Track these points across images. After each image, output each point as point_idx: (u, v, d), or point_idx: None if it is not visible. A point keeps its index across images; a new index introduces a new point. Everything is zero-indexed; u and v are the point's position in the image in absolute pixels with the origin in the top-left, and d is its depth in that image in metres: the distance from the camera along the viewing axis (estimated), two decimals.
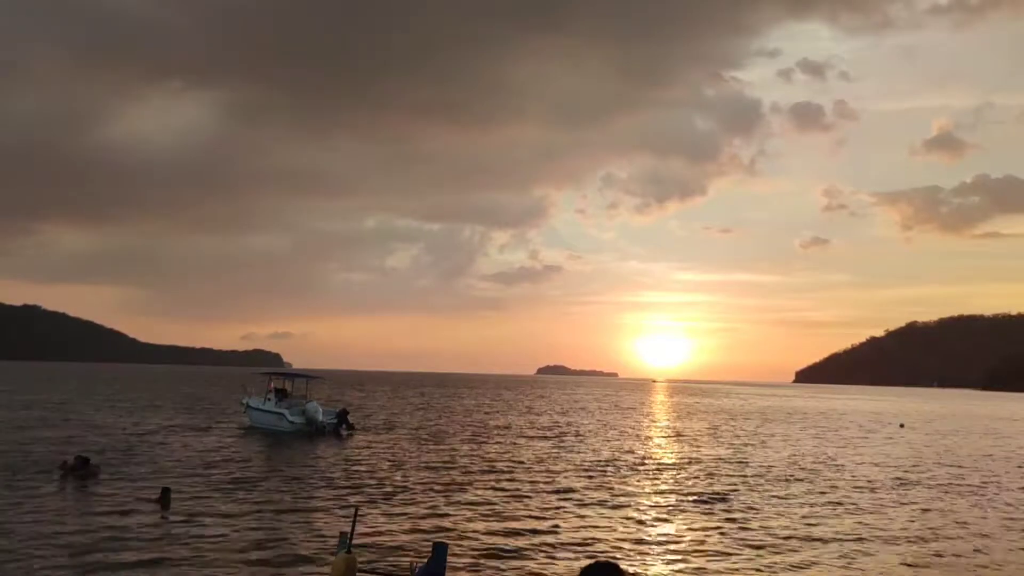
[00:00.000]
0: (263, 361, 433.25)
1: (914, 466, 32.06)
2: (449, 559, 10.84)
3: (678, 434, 46.17)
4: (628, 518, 18.87)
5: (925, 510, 21.34)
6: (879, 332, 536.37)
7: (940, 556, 15.89)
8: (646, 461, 31.04)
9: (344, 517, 17.09)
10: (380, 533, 16.15)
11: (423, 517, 18.11)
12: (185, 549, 14.42)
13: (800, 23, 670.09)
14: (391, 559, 13.91)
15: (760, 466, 29.93)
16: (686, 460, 31.62)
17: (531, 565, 14.26)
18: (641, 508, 20.27)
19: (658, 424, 55.74)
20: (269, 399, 42.20)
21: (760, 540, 16.65)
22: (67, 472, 21.94)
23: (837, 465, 31.28)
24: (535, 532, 16.90)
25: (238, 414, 44.43)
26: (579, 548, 15.59)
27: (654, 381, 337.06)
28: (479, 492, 21.89)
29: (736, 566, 14.55)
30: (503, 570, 13.88)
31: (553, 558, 14.80)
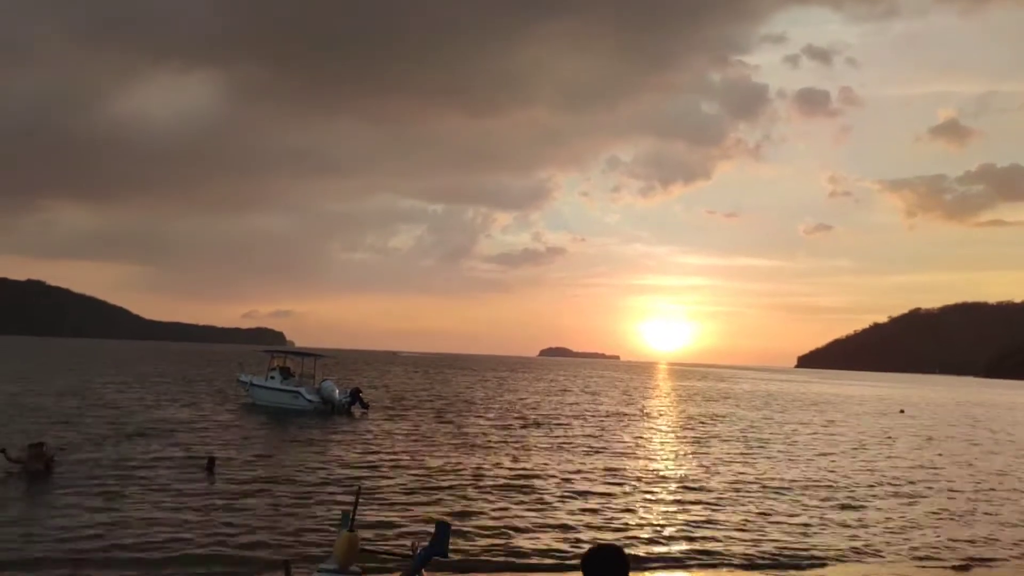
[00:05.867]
0: (266, 339, 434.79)
1: (913, 455, 32.17)
2: (452, 538, 10.92)
3: (682, 417, 46.30)
4: (636, 501, 18.95)
5: (923, 499, 21.42)
6: (882, 318, 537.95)
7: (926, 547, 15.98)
8: (656, 446, 31.14)
9: (348, 496, 17.20)
10: (383, 511, 16.24)
11: (426, 496, 18.20)
12: (188, 527, 14.54)
13: (806, 8, 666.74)
14: (393, 538, 14.01)
15: (760, 450, 30.01)
16: (687, 443, 31.74)
17: (536, 545, 14.33)
18: (650, 493, 20.33)
19: (666, 409, 55.83)
20: (272, 377, 42.18)
21: (746, 521, 16.75)
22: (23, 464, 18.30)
23: (835, 451, 31.34)
24: (540, 512, 16.99)
25: (239, 392, 44.48)
26: (585, 530, 15.67)
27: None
28: (483, 471, 21.97)
29: (730, 549, 14.64)
30: (507, 550, 13.96)
31: (559, 538, 14.88)
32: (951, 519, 18.43)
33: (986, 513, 19.42)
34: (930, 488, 22.73)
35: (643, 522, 16.60)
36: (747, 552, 14.41)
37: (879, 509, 19.05)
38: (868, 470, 25.87)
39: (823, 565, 13.96)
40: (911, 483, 23.46)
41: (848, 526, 16.89)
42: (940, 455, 31.43)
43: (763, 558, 14.13)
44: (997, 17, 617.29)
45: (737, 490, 20.70)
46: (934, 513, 18.99)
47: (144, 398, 42.22)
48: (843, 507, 19.01)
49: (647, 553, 14.13)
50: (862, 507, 19.13)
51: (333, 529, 13.81)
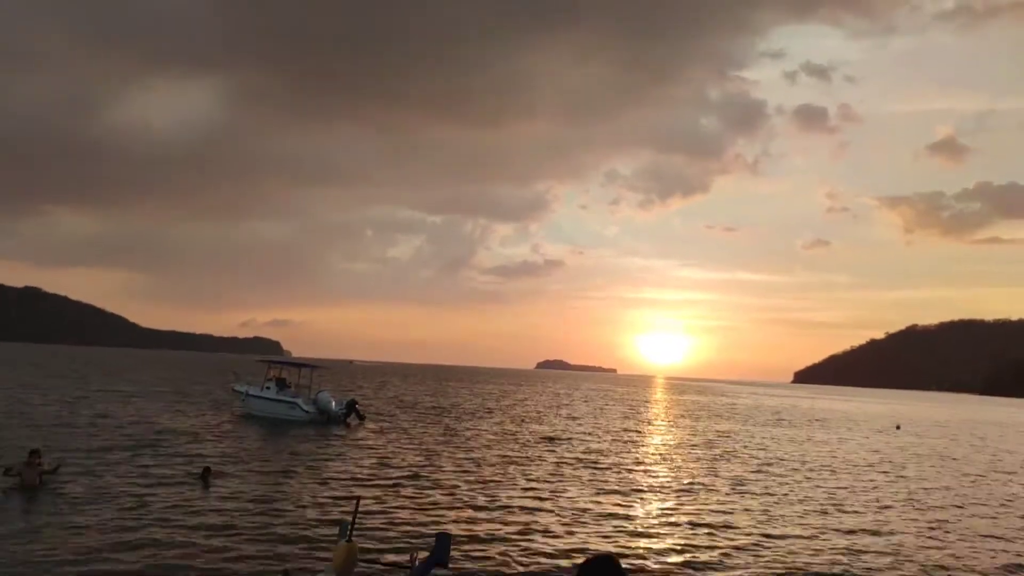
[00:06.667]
0: (263, 348, 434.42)
1: (908, 470, 32.14)
2: (452, 549, 10.87)
3: (690, 433, 46.24)
4: (650, 521, 18.89)
5: (921, 516, 21.39)
6: (879, 334, 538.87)
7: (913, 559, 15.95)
8: (648, 460, 31.08)
9: (347, 506, 17.14)
10: (382, 522, 16.21)
11: (427, 507, 18.16)
12: (187, 535, 14.49)
13: (805, 24, 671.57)
14: (393, 548, 13.97)
15: (757, 465, 29.98)
16: (701, 461, 31.69)
17: (535, 557, 14.30)
18: (641, 506, 20.30)
19: (672, 424, 55.78)
20: (268, 387, 42.05)
21: (765, 544, 16.71)
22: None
23: (830, 466, 31.32)
24: (541, 524, 16.95)
25: (234, 401, 44.33)
26: (582, 541, 15.62)
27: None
28: (484, 483, 21.95)
29: (715, 559, 14.60)
30: (507, 561, 13.92)
31: (556, 549, 14.84)
32: (977, 539, 18.40)
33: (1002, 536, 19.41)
34: (955, 509, 22.48)
35: (656, 543, 16.35)
36: None
37: (905, 532, 18.84)
38: (890, 491, 25.66)
39: None
40: (938, 507, 22.83)
41: (878, 551, 16.74)
42: (967, 475, 31.30)
43: None
44: (995, 35, 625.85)
45: (759, 511, 20.53)
46: (963, 535, 18.91)
47: (140, 407, 42.11)
48: (871, 532, 18.53)
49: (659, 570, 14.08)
50: (889, 530, 18.88)
51: (332, 539, 13.78)
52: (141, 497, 17.56)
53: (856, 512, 20.72)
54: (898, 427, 62.43)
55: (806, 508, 20.84)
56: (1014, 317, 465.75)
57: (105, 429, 30.14)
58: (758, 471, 28.06)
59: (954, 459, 37.65)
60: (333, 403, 40.17)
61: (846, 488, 25.12)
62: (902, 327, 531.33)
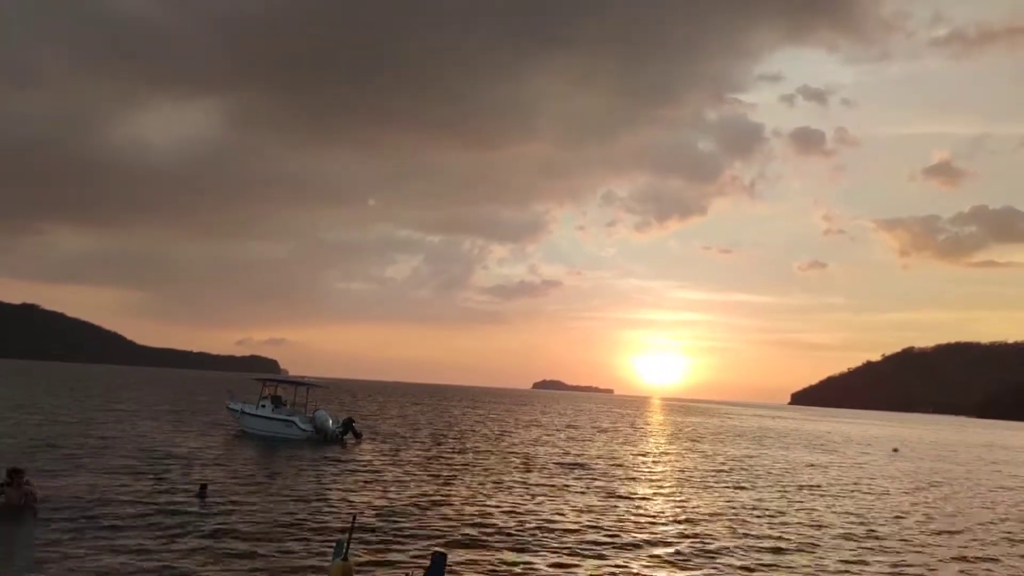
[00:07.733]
0: (260, 367, 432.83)
1: (906, 494, 32.06)
2: (448, 570, 10.85)
3: (692, 455, 46.10)
4: (651, 543, 18.79)
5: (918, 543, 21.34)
6: (875, 356, 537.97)
7: None
8: (669, 485, 30.84)
9: (342, 525, 17.08)
10: (378, 541, 16.16)
11: (422, 527, 18.10)
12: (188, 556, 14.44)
13: (802, 49, 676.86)
14: (388, 569, 13.92)
15: (781, 489, 29.88)
16: (701, 483, 31.57)
17: None
18: (641, 536, 20.22)
19: (674, 448, 55.62)
20: (263, 405, 41.77)
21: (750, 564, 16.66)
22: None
23: (852, 492, 31.25)
24: (534, 545, 16.91)
25: (230, 419, 44.11)
26: (577, 565, 15.57)
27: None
28: (479, 504, 21.87)
29: None
30: None
31: (552, 572, 14.79)
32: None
33: None
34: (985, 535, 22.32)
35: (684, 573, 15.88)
36: None
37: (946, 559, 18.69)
38: (921, 516, 25.56)
39: None
40: (964, 533, 22.65)
41: None
42: (994, 500, 31.22)
43: None
44: (990, 61, 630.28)
45: (793, 538, 20.35)
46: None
47: (137, 425, 41.97)
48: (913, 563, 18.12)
49: None
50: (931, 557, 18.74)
51: (327, 558, 13.74)
52: (137, 513, 17.52)
53: (900, 540, 20.61)
54: (895, 450, 62.30)
55: (843, 535, 20.66)
56: (1009, 340, 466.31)
57: (102, 446, 30.01)
58: (784, 496, 27.86)
59: (979, 484, 37.57)
60: (330, 422, 39.94)
61: (879, 514, 24.97)
62: (898, 349, 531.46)
